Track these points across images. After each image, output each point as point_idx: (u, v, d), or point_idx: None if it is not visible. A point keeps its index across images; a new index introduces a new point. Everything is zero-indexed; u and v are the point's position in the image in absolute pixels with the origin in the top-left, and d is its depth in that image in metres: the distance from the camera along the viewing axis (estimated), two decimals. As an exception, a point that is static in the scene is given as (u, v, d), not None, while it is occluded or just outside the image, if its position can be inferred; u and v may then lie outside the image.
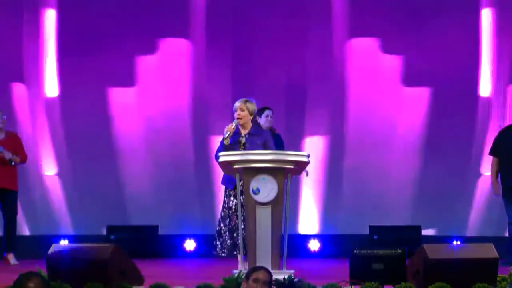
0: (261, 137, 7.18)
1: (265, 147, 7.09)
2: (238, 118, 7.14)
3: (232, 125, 7.07)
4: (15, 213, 8.80)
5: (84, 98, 10.55)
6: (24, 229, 10.26)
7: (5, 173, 8.64)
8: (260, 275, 5.09)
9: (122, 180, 10.54)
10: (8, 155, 8.56)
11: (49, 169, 10.51)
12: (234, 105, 7.23)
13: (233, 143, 7.09)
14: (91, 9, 10.54)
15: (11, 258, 8.70)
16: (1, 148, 8.56)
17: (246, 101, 7.21)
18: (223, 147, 7.01)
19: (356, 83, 10.62)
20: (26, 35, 10.53)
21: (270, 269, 6.26)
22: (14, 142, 8.75)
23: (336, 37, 10.59)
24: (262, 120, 8.35)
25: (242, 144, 7.16)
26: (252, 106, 7.22)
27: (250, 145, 7.11)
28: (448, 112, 10.46)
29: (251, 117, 7.24)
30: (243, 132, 7.21)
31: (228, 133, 7.03)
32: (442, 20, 10.40)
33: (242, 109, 7.17)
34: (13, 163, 8.62)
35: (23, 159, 8.79)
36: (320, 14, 10.56)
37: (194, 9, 10.63)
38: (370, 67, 10.59)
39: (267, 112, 8.44)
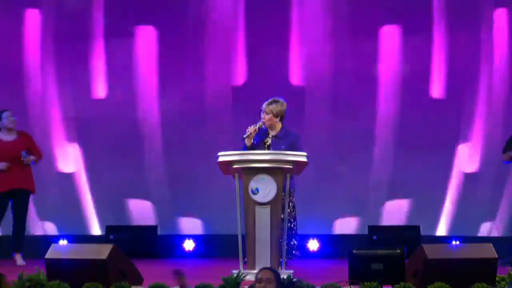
0: (286, 141, 6.95)
1: (292, 150, 6.81)
2: (262, 121, 6.97)
3: (254, 127, 6.90)
4: (26, 213, 8.81)
5: (83, 98, 10.60)
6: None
7: (21, 173, 8.66)
8: (263, 274, 5.24)
9: (121, 180, 10.53)
10: (29, 159, 8.59)
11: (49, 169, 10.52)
12: (262, 106, 7.05)
13: (258, 143, 6.95)
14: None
15: (19, 259, 8.70)
16: (23, 153, 8.57)
17: (271, 103, 7.00)
18: (245, 148, 6.87)
19: (357, 82, 10.62)
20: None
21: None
22: (27, 142, 8.76)
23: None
24: None
25: (266, 145, 6.98)
26: (277, 108, 6.98)
27: (274, 148, 6.91)
28: (450, 111, 10.47)
29: (277, 119, 7.00)
30: (271, 133, 7.03)
31: (249, 133, 6.87)
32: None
33: (267, 112, 6.98)
34: (33, 163, 8.68)
35: (38, 158, 8.82)
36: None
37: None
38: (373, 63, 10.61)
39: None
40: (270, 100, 7.05)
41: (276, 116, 7.00)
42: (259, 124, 6.95)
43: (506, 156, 8.70)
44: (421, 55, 10.56)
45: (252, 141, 6.92)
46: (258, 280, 5.25)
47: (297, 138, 7.06)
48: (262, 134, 7.01)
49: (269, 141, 7.00)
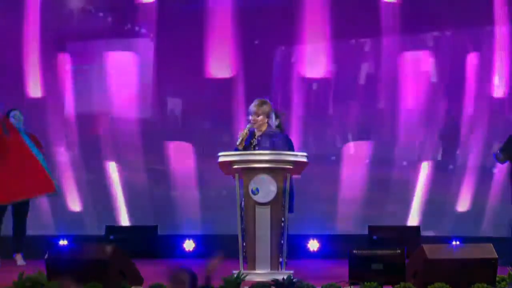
0: (274, 138, 6.94)
1: (273, 147, 6.84)
2: (252, 123, 6.95)
3: (245, 131, 6.89)
4: (26, 213, 8.82)
5: (83, 97, 10.61)
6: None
7: None
8: (177, 276, 5.14)
9: (121, 180, 10.54)
10: None
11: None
12: (249, 108, 7.00)
13: (246, 147, 6.92)
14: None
15: (19, 259, 8.71)
16: None
17: (261, 104, 6.98)
18: (237, 151, 6.85)
19: (358, 81, 10.61)
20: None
21: (269, 269, 6.32)
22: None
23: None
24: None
25: (253, 146, 6.95)
26: (268, 108, 6.98)
27: (259, 147, 6.91)
28: (449, 110, 10.48)
29: (266, 120, 7.00)
30: (258, 133, 7.00)
31: (241, 139, 6.85)
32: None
33: (258, 113, 6.94)
34: None
35: None
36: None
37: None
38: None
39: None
40: (258, 101, 7.00)
41: (267, 116, 6.99)
42: (248, 126, 6.93)
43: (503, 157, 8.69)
44: (422, 54, 10.57)
45: (243, 144, 6.90)
46: (170, 278, 5.13)
47: (282, 138, 7.05)
48: (248, 136, 6.95)
49: (255, 141, 6.96)
